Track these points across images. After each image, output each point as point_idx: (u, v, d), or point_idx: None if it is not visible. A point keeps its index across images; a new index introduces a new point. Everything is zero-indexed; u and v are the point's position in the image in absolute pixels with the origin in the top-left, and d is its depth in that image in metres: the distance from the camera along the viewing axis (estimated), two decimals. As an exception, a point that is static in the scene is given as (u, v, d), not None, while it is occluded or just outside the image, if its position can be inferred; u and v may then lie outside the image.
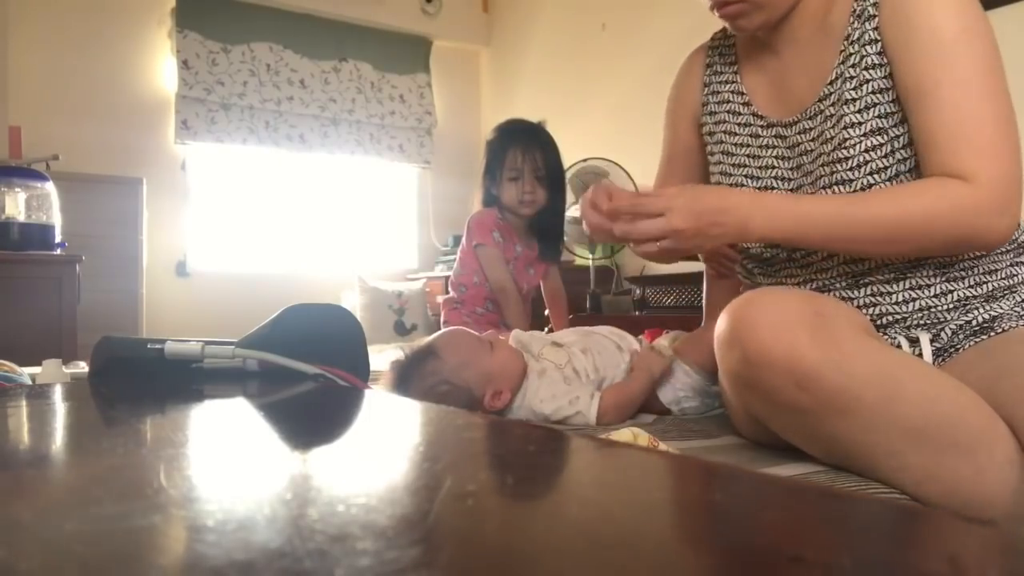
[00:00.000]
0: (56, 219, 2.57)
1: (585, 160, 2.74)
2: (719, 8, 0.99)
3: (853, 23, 0.95)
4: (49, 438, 0.46)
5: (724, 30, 1.16)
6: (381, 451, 0.41)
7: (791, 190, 1.04)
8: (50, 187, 2.57)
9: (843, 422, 0.78)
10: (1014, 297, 0.94)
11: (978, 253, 0.94)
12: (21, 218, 2.51)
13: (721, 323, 0.87)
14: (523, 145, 2.02)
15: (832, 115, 0.97)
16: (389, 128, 4.45)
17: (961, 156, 0.85)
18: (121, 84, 3.73)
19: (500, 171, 2.03)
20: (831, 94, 0.98)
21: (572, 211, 2.92)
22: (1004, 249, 0.96)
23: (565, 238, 2.83)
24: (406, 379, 1.20)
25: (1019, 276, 0.96)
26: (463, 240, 2.15)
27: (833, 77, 0.97)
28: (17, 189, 2.51)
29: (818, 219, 0.89)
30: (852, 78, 0.95)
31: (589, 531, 0.25)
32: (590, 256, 3.19)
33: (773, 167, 1.06)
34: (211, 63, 3.89)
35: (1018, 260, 0.97)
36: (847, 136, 0.94)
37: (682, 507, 0.29)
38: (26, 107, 3.37)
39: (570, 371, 1.24)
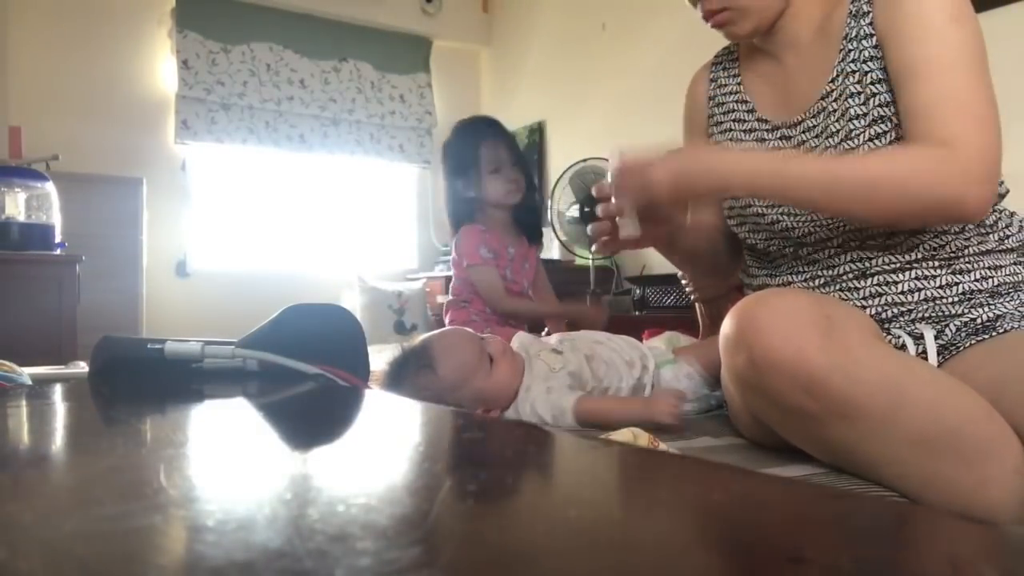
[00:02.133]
0: (56, 219, 2.57)
1: (585, 160, 2.73)
2: (709, 18, 1.03)
3: (850, 22, 0.98)
4: (49, 438, 0.46)
5: (728, 47, 1.20)
6: (381, 451, 0.41)
7: None
8: (50, 187, 2.57)
9: (847, 428, 0.78)
10: (1017, 297, 0.94)
11: (980, 248, 0.95)
12: (21, 218, 2.51)
13: (728, 324, 0.86)
14: (492, 136, 2.02)
15: (835, 110, 1.00)
16: (389, 128, 4.45)
17: (947, 123, 0.87)
18: (121, 84, 3.74)
19: (478, 168, 1.99)
20: (833, 91, 1.00)
21: (572, 211, 2.92)
22: (1008, 247, 0.96)
23: (564, 238, 2.84)
24: (399, 381, 1.20)
25: (1022, 275, 0.96)
26: (453, 254, 2.07)
27: (835, 75, 1.00)
28: (17, 189, 2.51)
29: (800, 179, 0.91)
30: (853, 72, 0.98)
31: (589, 531, 0.26)
32: (590, 256, 3.19)
33: None
34: (211, 63, 3.89)
35: (1021, 260, 0.98)
36: (852, 127, 0.97)
37: (682, 507, 0.29)
38: (26, 107, 3.37)
39: (563, 375, 1.21)
